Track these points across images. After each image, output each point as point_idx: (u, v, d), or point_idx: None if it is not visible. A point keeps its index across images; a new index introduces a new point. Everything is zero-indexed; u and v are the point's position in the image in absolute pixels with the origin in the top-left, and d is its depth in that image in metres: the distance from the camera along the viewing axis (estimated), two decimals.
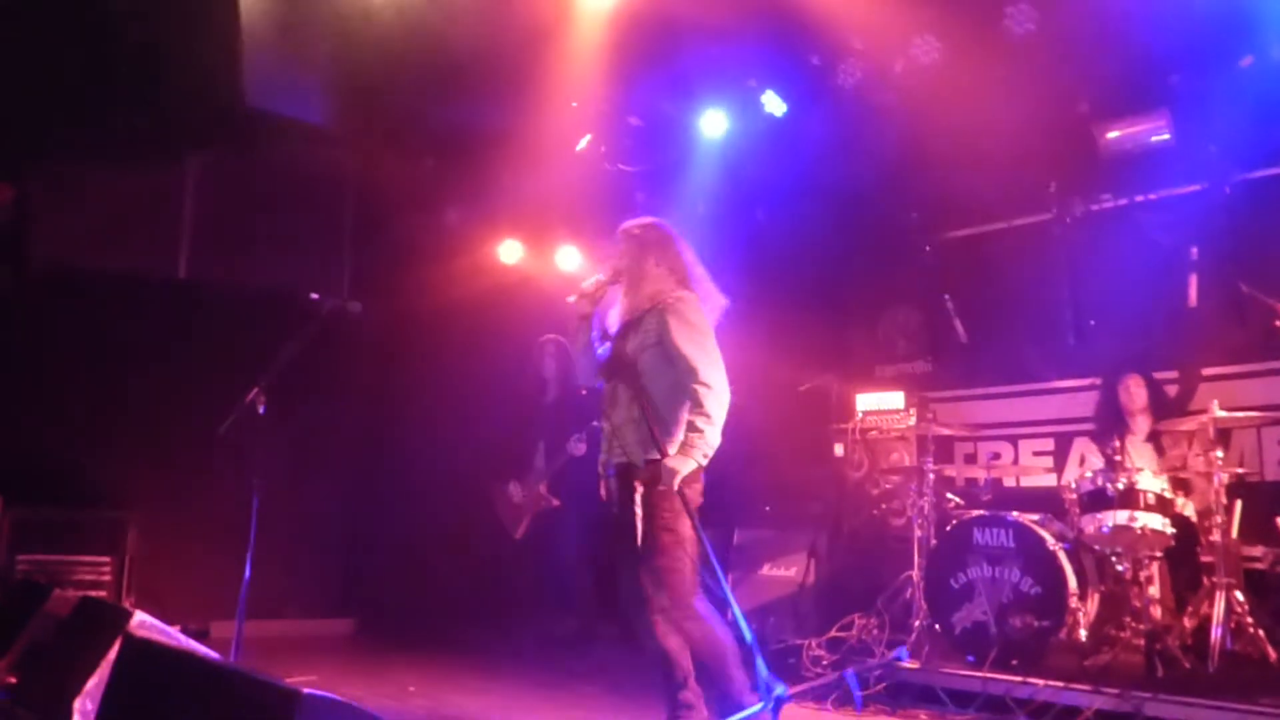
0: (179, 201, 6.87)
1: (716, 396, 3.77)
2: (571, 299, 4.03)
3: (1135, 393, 5.48)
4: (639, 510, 3.77)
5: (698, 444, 3.70)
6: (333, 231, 7.41)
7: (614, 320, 4.06)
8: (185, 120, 6.21)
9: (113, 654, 2.93)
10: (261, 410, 4.37)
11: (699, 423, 3.71)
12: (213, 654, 2.98)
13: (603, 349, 4.06)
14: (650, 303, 3.92)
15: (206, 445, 4.68)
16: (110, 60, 5.79)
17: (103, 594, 5.71)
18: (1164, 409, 5.50)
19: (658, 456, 3.71)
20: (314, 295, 4.20)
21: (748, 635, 3.34)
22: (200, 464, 6.07)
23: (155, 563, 6.13)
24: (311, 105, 6.35)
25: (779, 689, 3.30)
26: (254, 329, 6.55)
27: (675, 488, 3.65)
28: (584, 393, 6.67)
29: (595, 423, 6.36)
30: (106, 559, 5.91)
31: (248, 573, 4.20)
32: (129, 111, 6.09)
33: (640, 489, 3.78)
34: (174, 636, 3.26)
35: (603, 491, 4.07)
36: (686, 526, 3.71)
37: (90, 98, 5.98)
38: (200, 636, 5.48)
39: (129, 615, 3.21)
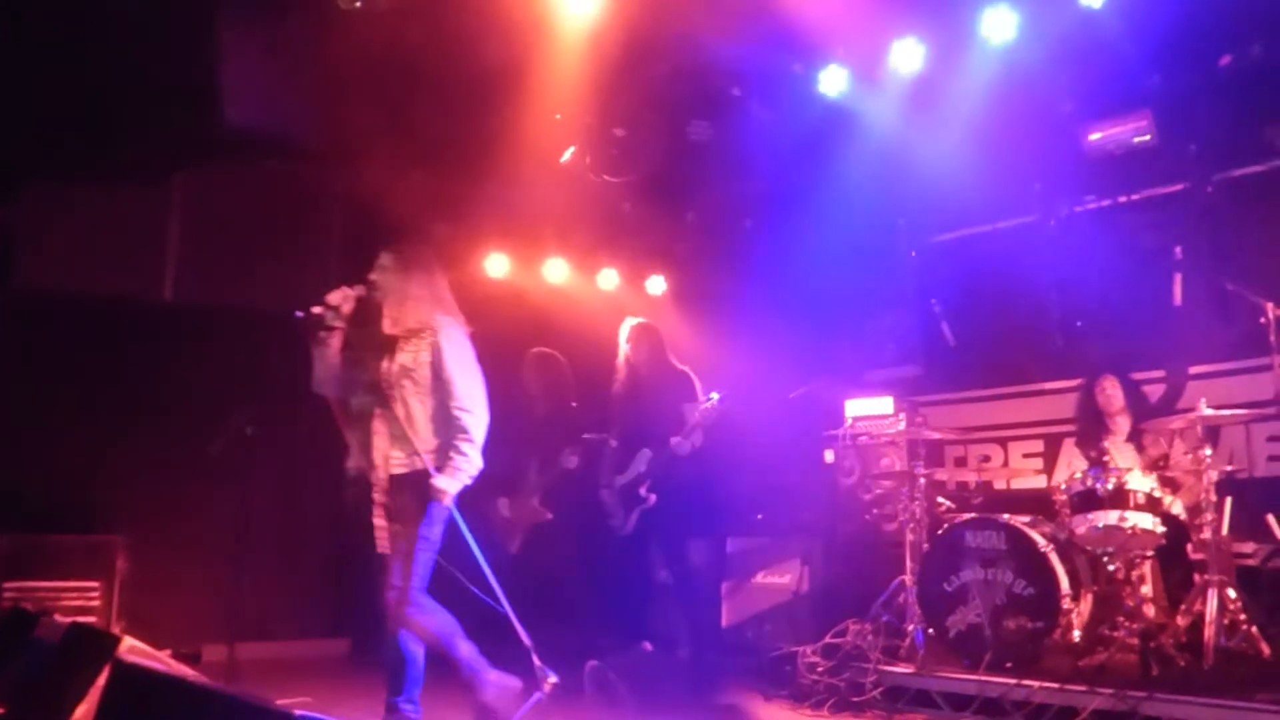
0: (164, 223, 6.83)
1: (478, 421, 4.04)
2: (317, 309, 4.06)
3: (1111, 394, 5.51)
4: (402, 518, 3.98)
5: (463, 466, 3.99)
6: (319, 249, 7.38)
7: (370, 336, 4.11)
8: (167, 142, 6.19)
9: (102, 680, 2.90)
10: (249, 431, 4.36)
11: (464, 447, 3.99)
12: (203, 679, 2.96)
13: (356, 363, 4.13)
14: (417, 325, 4.07)
15: (195, 467, 4.66)
16: (90, 83, 5.77)
17: (92, 619, 5.66)
18: (1143, 409, 5.52)
19: (423, 471, 3.95)
20: (299, 313, 4.17)
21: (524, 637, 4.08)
22: (189, 486, 6.04)
23: (145, 587, 6.08)
24: (294, 121, 6.33)
25: (550, 679, 4.04)
26: (241, 349, 6.53)
27: (446, 504, 3.95)
28: (574, 405, 6.68)
29: (587, 435, 6.38)
30: (95, 584, 5.85)
31: (238, 595, 4.18)
32: (111, 134, 6.07)
33: (406, 499, 3.99)
34: (164, 661, 3.23)
35: (378, 501, 4.08)
36: (437, 533, 4.01)
37: (72, 121, 5.95)
38: (192, 660, 5.46)
39: (118, 641, 3.17)
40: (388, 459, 4.02)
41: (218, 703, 2.48)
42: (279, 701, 2.42)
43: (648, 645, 5.75)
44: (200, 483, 5.74)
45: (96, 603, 5.82)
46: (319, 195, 7.29)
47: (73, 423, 6.38)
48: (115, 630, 5.19)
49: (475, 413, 4.03)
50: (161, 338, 6.72)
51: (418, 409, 4.04)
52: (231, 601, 4.97)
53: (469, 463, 4.00)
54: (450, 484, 3.98)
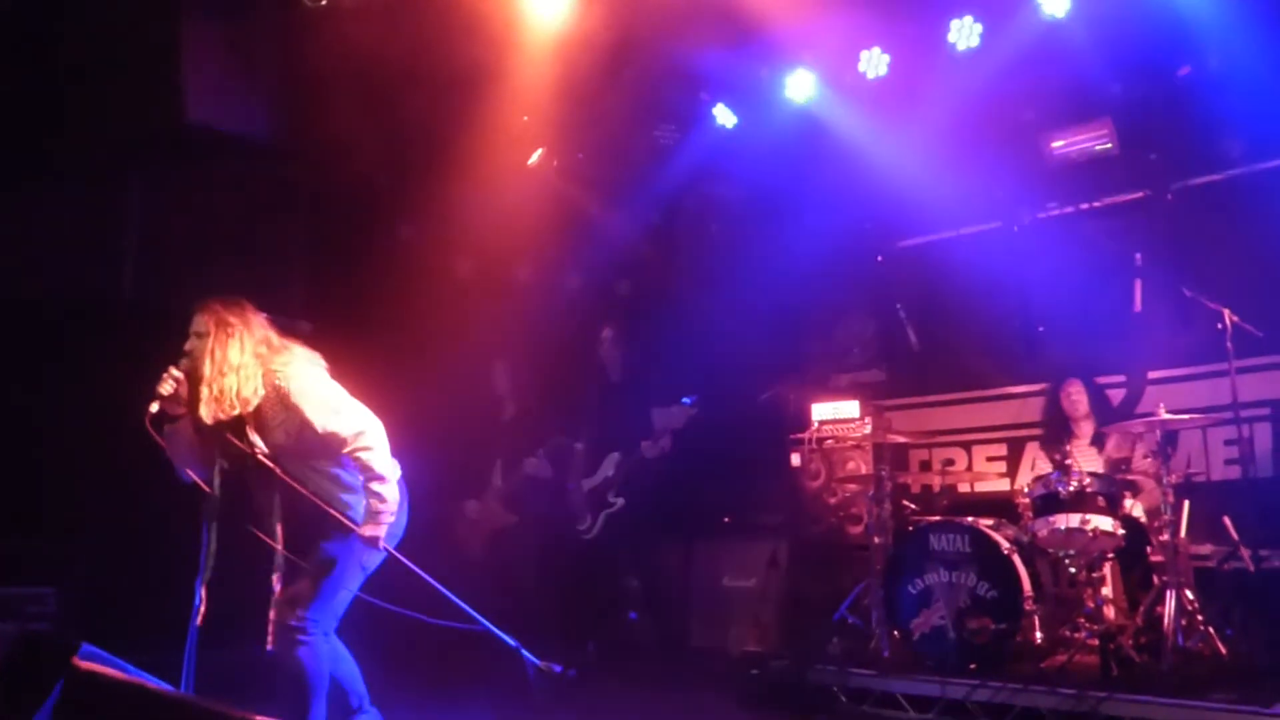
0: (123, 219, 6.72)
1: (378, 454, 3.74)
2: (154, 408, 3.72)
3: (1076, 399, 5.58)
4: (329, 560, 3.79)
5: (383, 508, 3.74)
6: (283, 249, 7.30)
7: (207, 416, 3.72)
8: (127, 138, 6.09)
9: (57, 690, 2.84)
10: None
11: (376, 488, 3.72)
12: (165, 686, 2.90)
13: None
14: (254, 397, 3.70)
15: (154, 468, 4.57)
16: (49, 79, 5.67)
17: (46, 626, 5.54)
18: (1106, 413, 5.60)
19: (346, 531, 3.73)
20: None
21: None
22: (148, 488, 5.91)
23: (101, 592, 5.96)
24: (258, 120, 6.25)
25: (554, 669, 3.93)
26: None
27: (381, 548, 3.76)
28: (541, 408, 6.66)
29: (555, 438, 6.36)
30: (49, 590, 5.73)
31: (199, 600, 4.10)
32: (69, 129, 5.96)
33: (340, 557, 3.78)
34: (122, 669, 3.17)
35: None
36: (369, 568, 3.88)
37: (29, 117, 5.84)
38: (152, 667, 5.34)
39: (74, 648, 3.10)
40: (316, 536, 3.77)
41: (181, 711, 2.44)
42: (240, 711, 2.39)
43: (633, 614, 5.73)
44: (159, 485, 5.63)
45: (51, 609, 5.70)
46: (283, 194, 7.21)
47: (27, 422, 6.24)
48: (71, 637, 5.08)
49: (372, 446, 3.71)
50: (121, 335, 6.59)
51: (314, 477, 3.78)
52: (194, 606, 4.88)
53: (386, 503, 3.74)
54: (380, 530, 3.75)
